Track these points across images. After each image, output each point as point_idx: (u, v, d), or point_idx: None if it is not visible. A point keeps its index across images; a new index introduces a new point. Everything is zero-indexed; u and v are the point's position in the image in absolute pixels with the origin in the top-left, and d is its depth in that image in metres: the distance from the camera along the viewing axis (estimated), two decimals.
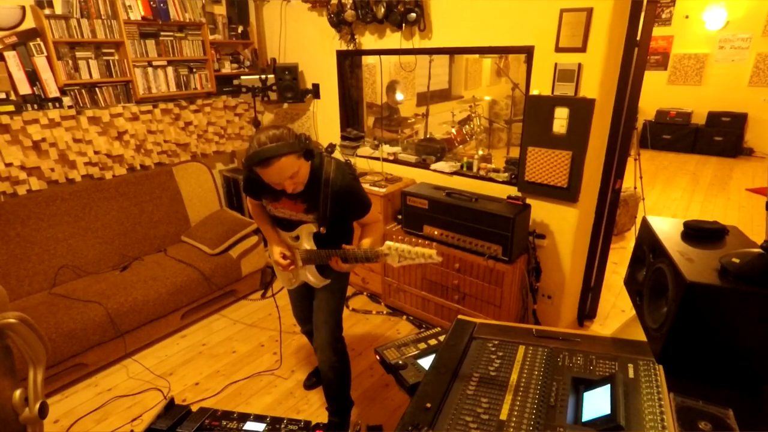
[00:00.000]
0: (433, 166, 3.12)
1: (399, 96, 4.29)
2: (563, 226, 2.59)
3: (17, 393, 1.02)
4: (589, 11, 2.19)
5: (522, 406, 1.04)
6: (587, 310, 2.97)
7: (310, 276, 1.90)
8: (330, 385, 2.08)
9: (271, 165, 1.50)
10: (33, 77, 2.79)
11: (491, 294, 2.58)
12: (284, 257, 1.86)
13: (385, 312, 3.19)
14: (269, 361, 2.72)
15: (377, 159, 3.40)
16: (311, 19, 3.53)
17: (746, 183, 5.88)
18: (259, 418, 1.53)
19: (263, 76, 3.62)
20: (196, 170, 3.57)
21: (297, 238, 1.85)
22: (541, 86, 2.45)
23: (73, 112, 2.97)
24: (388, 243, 1.54)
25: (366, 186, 3.05)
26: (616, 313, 3.08)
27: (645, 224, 1.23)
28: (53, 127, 2.90)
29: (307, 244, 1.82)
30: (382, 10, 2.93)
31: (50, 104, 2.89)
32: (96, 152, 3.13)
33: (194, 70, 3.59)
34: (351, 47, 3.31)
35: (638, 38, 2.34)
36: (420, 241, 1.52)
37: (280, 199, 1.78)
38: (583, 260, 2.79)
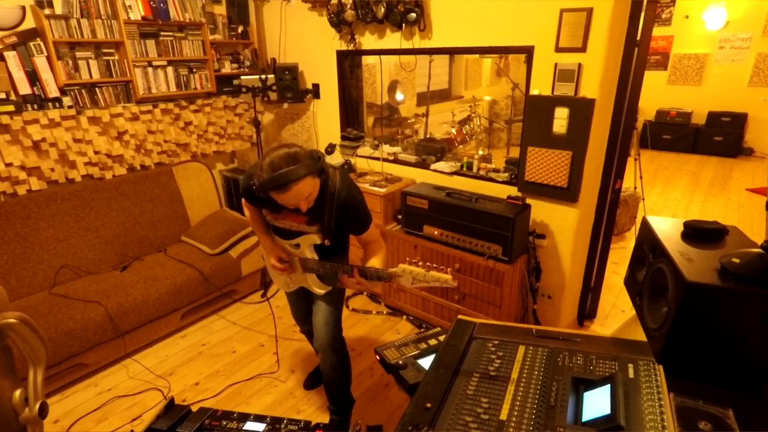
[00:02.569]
0: (433, 166, 3.12)
1: (399, 96, 4.30)
2: (563, 226, 2.59)
3: (17, 393, 1.02)
4: (589, 11, 2.19)
5: (522, 406, 1.04)
6: (587, 310, 2.97)
7: (312, 285, 1.89)
8: (331, 384, 2.08)
9: (291, 189, 1.45)
10: (33, 77, 2.79)
11: (491, 294, 2.58)
12: (281, 261, 1.85)
13: (385, 312, 3.19)
14: (269, 361, 2.72)
15: (377, 159, 3.40)
16: (311, 19, 3.53)
17: (746, 183, 5.87)
18: (259, 418, 1.53)
19: (263, 76, 3.62)
20: (196, 170, 3.57)
21: (297, 246, 1.84)
22: (541, 86, 2.45)
23: (73, 112, 2.97)
24: (402, 265, 1.47)
25: (366, 186, 3.06)
26: (616, 313, 3.08)
27: (645, 224, 1.23)
28: (53, 127, 2.90)
29: (309, 254, 1.81)
30: (382, 10, 2.93)
31: (50, 104, 2.89)
32: (96, 152, 3.14)
33: (194, 70, 3.59)
34: (351, 47, 3.31)
35: (638, 38, 2.34)
36: (435, 265, 1.44)
37: (282, 211, 1.75)
38: (583, 260, 2.79)
